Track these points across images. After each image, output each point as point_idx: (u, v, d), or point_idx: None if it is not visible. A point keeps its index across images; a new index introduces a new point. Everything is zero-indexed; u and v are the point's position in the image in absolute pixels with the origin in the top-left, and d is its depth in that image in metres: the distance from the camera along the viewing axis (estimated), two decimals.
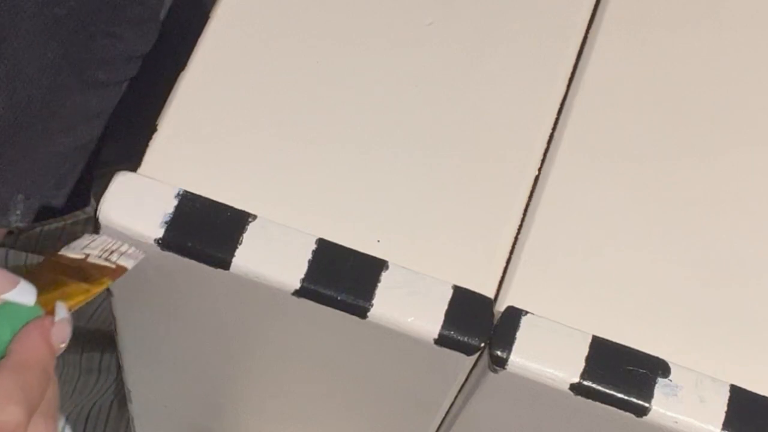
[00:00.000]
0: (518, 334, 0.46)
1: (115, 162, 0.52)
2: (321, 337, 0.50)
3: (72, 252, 0.46)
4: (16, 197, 0.58)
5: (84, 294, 0.45)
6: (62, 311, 0.43)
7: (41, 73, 0.50)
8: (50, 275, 0.45)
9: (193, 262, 0.47)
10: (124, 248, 0.47)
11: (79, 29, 0.50)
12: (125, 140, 0.56)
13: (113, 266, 0.46)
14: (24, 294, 0.43)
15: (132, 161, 0.48)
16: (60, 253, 0.46)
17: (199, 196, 0.47)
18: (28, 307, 0.43)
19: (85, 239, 0.47)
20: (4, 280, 0.42)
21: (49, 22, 0.49)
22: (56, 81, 0.50)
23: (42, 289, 0.43)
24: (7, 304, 0.42)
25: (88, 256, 0.46)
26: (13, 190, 0.57)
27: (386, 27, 0.53)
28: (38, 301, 0.43)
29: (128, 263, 0.47)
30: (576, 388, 0.46)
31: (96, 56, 0.52)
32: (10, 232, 1.07)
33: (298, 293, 0.46)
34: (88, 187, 0.62)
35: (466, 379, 0.50)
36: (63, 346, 0.43)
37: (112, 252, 0.47)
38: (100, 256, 0.46)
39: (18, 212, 0.58)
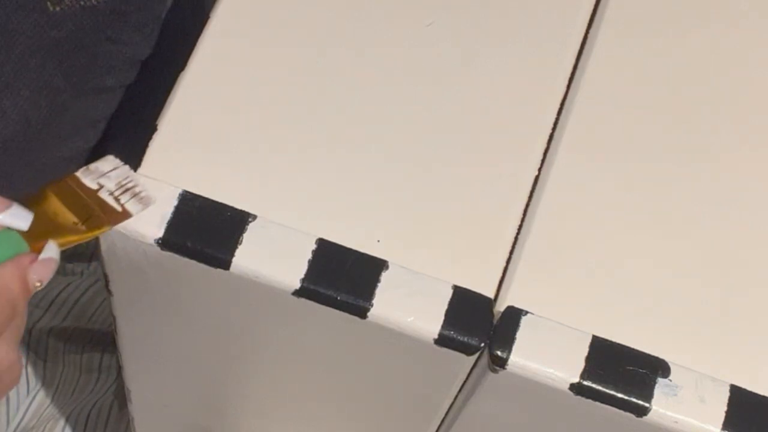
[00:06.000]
0: (518, 334, 0.46)
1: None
2: (321, 337, 0.50)
3: (88, 177, 0.46)
4: None
5: (78, 238, 0.44)
6: (51, 250, 0.43)
7: (38, 94, 0.49)
8: (53, 203, 0.44)
9: (193, 262, 0.47)
10: (138, 189, 0.47)
11: (79, 47, 0.50)
12: (125, 141, 0.55)
13: (119, 209, 0.46)
14: (17, 218, 0.42)
15: (132, 162, 0.48)
16: (77, 174, 0.46)
17: (199, 196, 0.47)
18: (16, 237, 0.42)
19: (108, 164, 0.47)
20: None
21: (46, 45, 0.49)
22: (56, 100, 0.50)
23: (39, 218, 0.43)
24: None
25: (101, 188, 0.46)
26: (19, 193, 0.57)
27: (386, 27, 0.53)
28: (31, 230, 0.42)
29: (135, 209, 0.46)
30: (576, 388, 0.46)
31: (103, 64, 0.52)
32: None
33: (298, 293, 0.46)
34: None
35: (466, 379, 0.50)
36: (39, 285, 0.42)
37: (126, 190, 0.46)
38: (112, 193, 0.46)
39: None
